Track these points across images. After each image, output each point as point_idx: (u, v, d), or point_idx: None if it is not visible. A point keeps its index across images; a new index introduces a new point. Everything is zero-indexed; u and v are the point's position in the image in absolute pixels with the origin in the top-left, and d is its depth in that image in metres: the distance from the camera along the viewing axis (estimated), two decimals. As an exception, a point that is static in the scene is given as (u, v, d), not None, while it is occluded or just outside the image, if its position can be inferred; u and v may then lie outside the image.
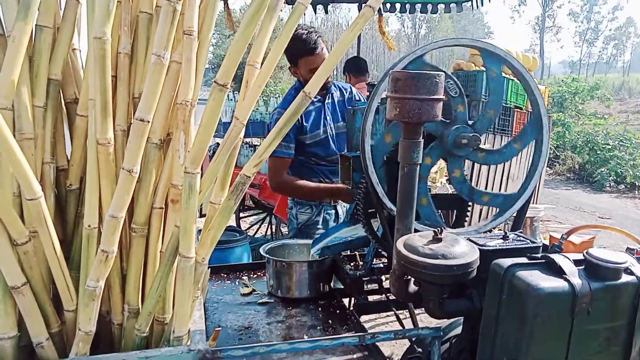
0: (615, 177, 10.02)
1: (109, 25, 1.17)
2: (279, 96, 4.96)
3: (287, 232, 3.36)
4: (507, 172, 5.53)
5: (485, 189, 5.14)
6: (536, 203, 5.30)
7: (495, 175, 5.38)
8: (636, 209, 8.29)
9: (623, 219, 7.32)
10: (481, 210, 5.00)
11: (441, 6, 4.47)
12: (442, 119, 1.58)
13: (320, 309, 1.90)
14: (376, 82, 1.64)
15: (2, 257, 1.14)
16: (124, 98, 1.29)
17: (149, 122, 1.21)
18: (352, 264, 2.03)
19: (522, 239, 1.46)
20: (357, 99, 2.79)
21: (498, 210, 1.78)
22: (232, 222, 4.94)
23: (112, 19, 1.19)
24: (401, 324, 2.32)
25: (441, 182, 3.57)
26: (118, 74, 1.28)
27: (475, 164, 4.29)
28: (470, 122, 1.62)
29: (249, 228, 5.25)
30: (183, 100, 1.23)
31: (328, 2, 5.14)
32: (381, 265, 1.97)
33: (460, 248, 1.24)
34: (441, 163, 2.94)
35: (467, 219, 1.99)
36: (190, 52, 1.21)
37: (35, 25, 1.20)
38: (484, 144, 1.83)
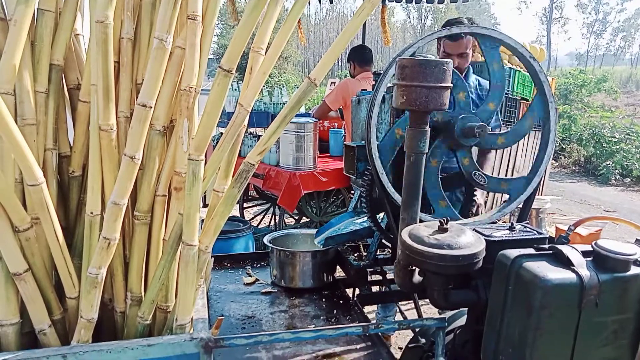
0: (621, 171, 9.93)
1: (111, 8, 1.15)
2: (284, 87, 4.92)
3: (292, 223, 3.31)
4: (512, 165, 5.51)
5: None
6: (541, 195, 5.28)
7: (500, 167, 5.35)
8: (642, 203, 8.23)
9: (628, 213, 7.27)
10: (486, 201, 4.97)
11: (448, -4, 4.44)
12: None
13: (323, 299, 1.90)
14: (382, 72, 1.61)
15: (3, 244, 1.13)
16: (127, 84, 1.27)
17: (151, 107, 1.19)
18: (355, 254, 2.02)
19: (528, 230, 1.44)
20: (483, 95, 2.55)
21: (507, 199, 1.75)
22: (236, 213, 4.93)
23: (115, 3, 1.17)
24: (402, 315, 2.32)
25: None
26: (121, 59, 1.26)
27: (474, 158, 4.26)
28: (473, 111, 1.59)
29: (252, 218, 5.25)
30: (187, 86, 1.21)
31: (333, -9, 5.09)
32: (385, 255, 1.96)
33: (466, 238, 1.23)
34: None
35: (475, 194, 1.98)
36: (194, 37, 1.19)
37: (37, 8, 1.18)
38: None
